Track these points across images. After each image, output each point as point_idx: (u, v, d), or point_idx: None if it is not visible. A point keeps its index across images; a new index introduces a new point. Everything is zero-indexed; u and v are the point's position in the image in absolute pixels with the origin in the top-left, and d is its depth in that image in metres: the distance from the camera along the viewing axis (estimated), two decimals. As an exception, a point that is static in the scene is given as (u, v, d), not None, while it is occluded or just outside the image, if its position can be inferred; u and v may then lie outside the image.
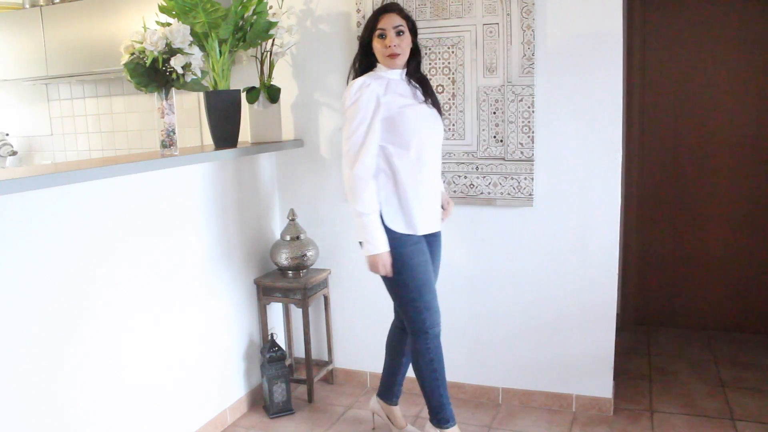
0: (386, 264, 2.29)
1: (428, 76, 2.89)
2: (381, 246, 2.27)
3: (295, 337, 3.35)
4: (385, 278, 2.37)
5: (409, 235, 2.33)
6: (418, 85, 2.40)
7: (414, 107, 2.32)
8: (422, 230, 2.36)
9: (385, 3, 2.40)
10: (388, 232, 2.30)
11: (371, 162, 2.27)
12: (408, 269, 2.33)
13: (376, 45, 2.30)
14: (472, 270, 2.98)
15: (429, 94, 2.42)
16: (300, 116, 3.19)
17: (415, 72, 2.41)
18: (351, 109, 2.26)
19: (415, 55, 2.40)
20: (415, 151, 2.30)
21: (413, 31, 2.36)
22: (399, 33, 2.28)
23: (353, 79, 2.36)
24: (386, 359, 2.70)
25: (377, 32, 2.29)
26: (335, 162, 3.15)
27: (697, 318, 3.81)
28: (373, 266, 2.30)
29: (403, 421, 2.72)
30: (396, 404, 2.72)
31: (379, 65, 2.34)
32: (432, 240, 2.45)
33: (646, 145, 3.75)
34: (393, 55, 2.28)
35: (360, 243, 2.35)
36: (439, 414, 2.43)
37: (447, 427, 2.43)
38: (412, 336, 2.41)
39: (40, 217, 1.97)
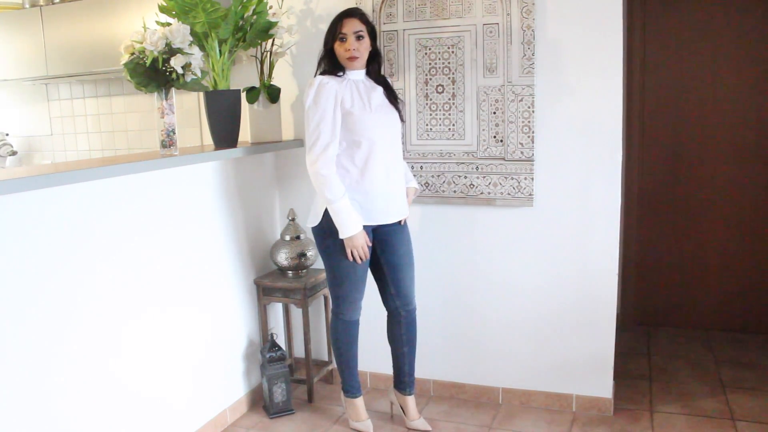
0: (362, 245, 2.49)
1: (428, 76, 2.90)
2: (354, 228, 2.45)
3: (295, 337, 3.35)
4: (321, 257, 2.63)
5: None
6: (378, 85, 2.58)
7: (368, 106, 2.50)
8: (370, 221, 2.53)
9: (347, 8, 2.56)
10: (328, 219, 2.49)
11: (332, 154, 2.44)
12: (335, 258, 2.55)
13: (338, 48, 2.49)
14: (471, 270, 2.98)
15: (390, 93, 2.61)
16: (300, 116, 3.19)
17: (377, 74, 2.60)
18: (312, 106, 2.43)
19: (375, 57, 2.59)
20: (365, 147, 2.47)
21: (372, 35, 2.55)
22: (359, 37, 2.47)
23: (316, 73, 2.54)
24: (391, 351, 2.83)
25: (339, 36, 2.48)
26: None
27: (697, 318, 3.81)
28: (351, 248, 2.48)
29: (416, 413, 2.80)
30: (409, 394, 2.80)
31: (332, 67, 2.53)
32: (388, 230, 2.62)
33: (646, 145, 3.75)
34: (352, 58, 2.48)
35: (312, 230, 2.60)
36: (343, 384, 2.81)
37: (347, 397, 2.81)
38: (332, 314, 2.73)
39: (40, 217, 1.97)
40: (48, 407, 2.02)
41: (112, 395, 2.26)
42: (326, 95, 2.42)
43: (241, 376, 3.00)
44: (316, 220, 2.57)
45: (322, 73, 2.52)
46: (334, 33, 2.49)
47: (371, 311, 3.20)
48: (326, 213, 2.51)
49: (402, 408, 2.82)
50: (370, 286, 3.18)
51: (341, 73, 2.51)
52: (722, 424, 2.72)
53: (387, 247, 2.64)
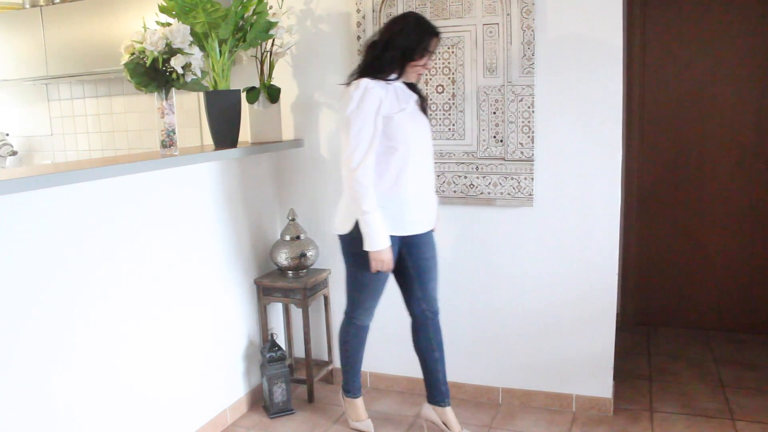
0: (387, 260, 2.38)
1: (428, 76, 2.90)
2: (383, 242, 2.35)
3: (295, 337, 3.35)
4: (345, 263, 2.57)
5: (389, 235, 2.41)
6: (415, 93, 2.48)
7: (407, 112, 2.39)
8: (396, 231, 2.43)
9: (435, 25, 2.40)
10: (359, 232, 2.38)
11: (371, 163, 2.33)
12: (363, 266, 2.43)
13: (416, 62, 2.35)
14: (471, 270, 2.98)
15: (423, 102, 2.52)
16: (300, 116, 3.19)
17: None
18: (355, 111, 2.29)
19: None
20: (402, 154, 2.37)
21: None
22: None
23: (356, 76, 2.37)
24: (420, 362, 2.67)
25: (426, 53, 2.36)
26: (335, 162, 3.15)
27: (697, 318, 3.81)
28: (377, 261, 2.38)
29: (458, 424, 2.65)
30: (449, 405, 2.66)
31: (392, 74, 2.37)
32: (418, 240, 2.52)
33: (646, 145, 3.75)
34: (420, 75, 2.43)
35: (339, 236, 2.51)
36: (344, 385, 2.80)
37: (347, 397, 2.79)
38: (345, 316, 2.69)
39: (40, 217, 1.97)
40: (49, 406, 2.02)
41: (113, 395, 2.26)
42: (371, 101, 2.28)
43: (241, 376, 3.00)
44: (347, 227, 2.44)
45: (365, 76, 2.34)
46: (421, 48, 2.34)
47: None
48: (357, 220, 2.40)
49: (444, 423, 2.65)
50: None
51: (391, 79, 2.36)
52: (722, 424, 2.72)
53: (416, 252, 2.53)
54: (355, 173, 2.29)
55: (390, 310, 3.15)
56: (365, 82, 2.30)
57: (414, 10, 2.85)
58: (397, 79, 2.38)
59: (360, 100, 2.28)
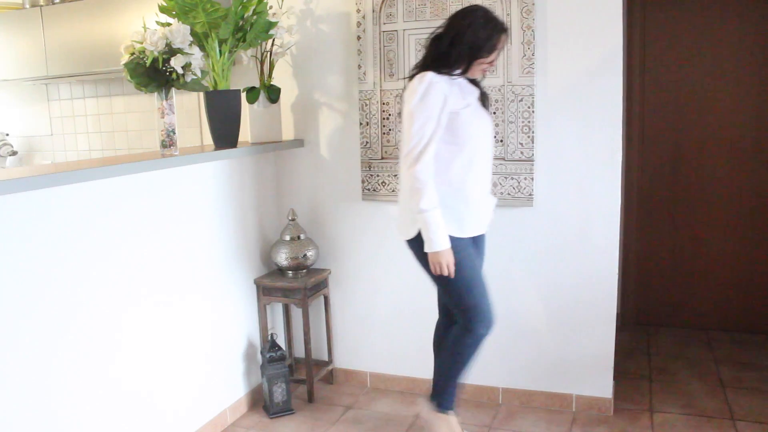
0: (450, 261, 2.25)
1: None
2: (443, 242, 2.23)
3: (295, 337, 3.35)
4: (428, 272, 2.34)
5: (456, 236, 2.29)
6: (475, 87, 2.40)
7: (472, 108, 2.30)
8: (469, 232, 2.35)
9: (503, 22, 2.31)
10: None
11: (431, 159, 2.22)
12: (458, 265, 2.28)
13: (483, 59, 2.27)
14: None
15: (484, 97, 2.43)
16: (300, 116, 3.19)
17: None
18: (419, 105, 2.19)
19: None
20: (468, 152, 2.28)
21: None
22: None
23: (420, 70, 2.28)
24: (454, 364, 2.51)
25: (494, 49, 2.27)
26: (335, 162, 3.15)
27: (697, 318, 3.81)
28: (436, 264, 2.26)
29: (459, 429, 2.51)
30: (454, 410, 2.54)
31: (456, 69, 2.28)
32: (477, 241, 2.44)
33: (646, 145, 3.75)
34: (486, 72, 2.35)
35: (408, 242, 2.36)
36: (441, 398, 2.46)
37: (444, 412, 2.46)
38: (460, 327, 2.40)
39: (40, 217, 1.97)
40: (48, 406, 2.02)
41: (113, 395, 2.26)
42: (435, 95, 2.19)
43: (241, 376, 3.00)
44: (412, 230, 2.32)
45: (430, 70, 2.24)
46: (490, 45, 2.25)
47: (369, 310, 3.20)
48: None
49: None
50: (371, 286, 3.19)
51: (456, 74, 2.28)
52: (722, 424, 2.72)
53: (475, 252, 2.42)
54: (414, 168, 2.19)
55: (390, 310, 3.16)
56: (430, 75, 2.21)
57: (413, 11, 2.86)
58: (462, 74, 2.30)
59: (424, 94, 2.19)
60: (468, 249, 2.34)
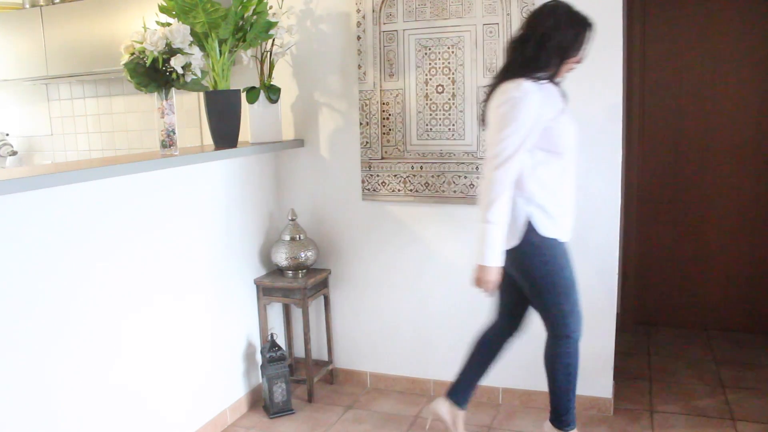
0: (495, 280, 2.21)
1: (428, 76, 2.90)
2: (497, 260, 2.18)
3: (295, 337, 3.35)
4: (529, 280, 2.30)
5: (558, 240, 2.26)
6: (563, 91, 2.31)
7: (565, 114, 2.24)
8: (566, 236, 2.30)
9: (590, 18, 2.21)
10: (535, 234, 2.21)
11: (516, 169, 2.16)
12: (558, 272, 2.26)
13: (572, 59, 2.20)
14: (472, 270, 2.97)
15: (564, 97, 2.34)
16: (300, 116, 3.19)
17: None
18: (511, 111, 2.11)
19: None
20: (565, 158, 2.23)
21: None
22: None
23: (507, 76, 2.20)
24: (472, 361, 2.53)
25: (583, 48, 2.20)
26: (335, 162, 3.15)
27: (697, 318, 3.81)
28: (482, 278, 2.21)
29: (464, 429, 2.54)
30: (465, 410, 2.56)
31: (546, 73, 2.20)
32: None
33: (646, 145, 3.75)
34: (570, 71, 2.25)
35: (514, 250, 2.26)
36: (563, 416, 2.39)
37: (568, 430, 2.39)
38: (553, 339, 2.36)
39: (40, 217, 1.97)
40: (48, 406, 2.02)
41: (112, 395, 2.26)
42: (529, 106, 2.10)
43: (241, 376, 3.00)
44: (514, 238, 2.24)
45: (520, 76, 2.16)
46: (578, 43, 2.18)
47: (369, 310, 3.20)
48: (529, 227, 2.22)
49: (455, 423, 2.53)
50: (371, 286, 3.19)
51: (544, 79, 2.18)
52: (722, 424, 2.72)
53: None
54: (497, 172, 2.12)
55: (390, 309, 3.15)
56: (527, 84, 2.12)
57: (413, 11, 2.86)
58: (550, 78, 2.21)
59: (519, 102, 2.10)
60: (567, 253, 2.30)
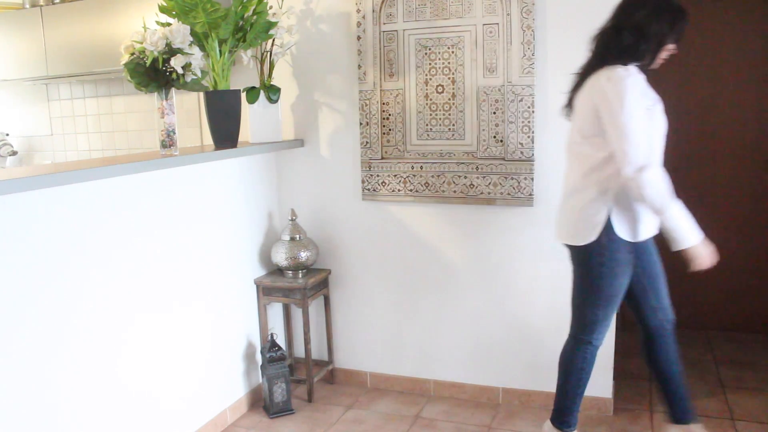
0: (706, 251, 2.20)
1: (428, 76, 2.90)
2: (695, 235, 2.16)
3: (295, 337, 3.35)
4: (581, 276, 2.28)
5: (628, 242, 2.20)
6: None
7: (659, 105, 2.18)
8: (644, 236, 2.25)
9: (679, 2, 2.14)
10: (610, 233, 2.16)
11: (646, 143, 2.07)
12: (611, 276, 2.22)
13: (668, 47, 2.15)
14: (472, 270, 2.98)
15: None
16: (300, 116, 3.19)
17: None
18: (627, 100, 2.03)
19: None
20: (656, 149, 2.16)
21: None
22: None
23: (599, 65, 2.15)
24: (658, 377, 2.44)
25: (680, 36, 2.14)
26: (335, 162, 3.15)
27: (697, 318, 3.81)
28: (699, 258, 2.18)
29: None
30: (697, 420, 2.42)
31: (643, 62, 2.15)
32: (646, 245, 2.32)
33: (646, 145, 3.74)
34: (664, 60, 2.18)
35: (579, 248, 2.24)
36: (565, 417, 2.39)
37: (565, 430, 2.40)
38: (574, 340, 2.35)
39: (40, 217, 1.97)
40: (49, 405, 2.02)
41: (113, 395, 2.26)
42: (640, 90, 2.06)
43: (241, 376, 3.00)
44: (592, 235, 2.18)
45: (617, 64, 2.10)
46: (675, 31, 2.12)
47: (369, 310, 3.20)
48: (607, 226, 2.16)
49: None
50: (371, 286, 3.19)
51: (642, 67, 2.14)
52: (722, 424, 2.72)
53: (646, 258, 2.32)
54: (644, 174, 2.04)
55: (390, 309, 3.15)
56: (630, 68, 2.07)
57: (413, 11, 2.86)
58: (644, 67, 2.15)
59: (631, 88, 2.03)
60: (630, 259, 2.24)
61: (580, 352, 2.35)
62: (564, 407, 2.39)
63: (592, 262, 2.23)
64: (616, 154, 2.08)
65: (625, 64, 2.10)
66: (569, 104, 2.31)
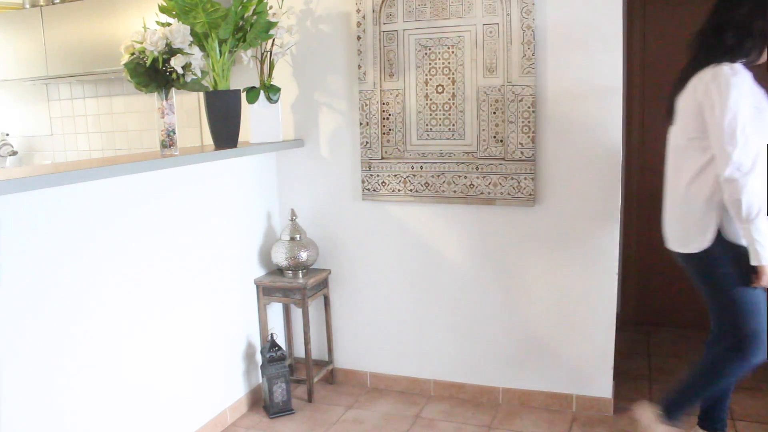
0: None
1: (428, 76, 2.90)
2: None
3: (295, 337, 3.35)
4: (716, 289, 2.18)
5: (741, 245, 2.09)
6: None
7: (766, 102, 2.08)
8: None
9: None
10: (731, 246, 2.08)
11: (755, 146, 1.99)
12: (740, 287, 2.12)
13: None
14: (472, 270, 2.98)
15: None
16: (300, 116, 3.19)
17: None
18: (732, 97, 1.97)
19: None
20: (764, 153, 2.04)
21: None
22: None
23: (702, 65, 2.09)
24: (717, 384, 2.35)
25: None
26: (335, 162, 3.15)
27: (697, 318, 3.80)
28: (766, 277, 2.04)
29: None
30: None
31: (750, 60, 2.08)
32: None
33: (646, 145, 3.75)
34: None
35: (697, 255, 2.16)
36: (673, 410, 2.32)
37: (669, 421, 2.32)
38: (725, 347, 2.23)
39: (40, 217, 1.97)
40: (50, 405, 2.02)
41: (113, 395, 2.26)
42: (746, 88, 1.98)
43: (241, 376, 3.00)
44: (703, 243, 2.10)
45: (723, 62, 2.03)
46: None
47: (369, 310, 3.20)
48: (720, 234, 2.08)
49: None
50: (371, 286, 3.18)
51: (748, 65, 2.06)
52: (722, 424, 2.72)
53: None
54: (744, 179, 1.95)
55: (390, 309, 3.16)
56: (736, 66, 2.00)
57: (413, 11, 2.86)
58: (751, 64, 2.07)
59: (737, 85, 1.96)
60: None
61: (738, 367, 2.25)
62: (680, 400, 2.32)
63: (714, 272, 2.14)
64: (717, 154, 2.01)
65: (731, 62, 2.03)
66: (670, 109, 2.22)
